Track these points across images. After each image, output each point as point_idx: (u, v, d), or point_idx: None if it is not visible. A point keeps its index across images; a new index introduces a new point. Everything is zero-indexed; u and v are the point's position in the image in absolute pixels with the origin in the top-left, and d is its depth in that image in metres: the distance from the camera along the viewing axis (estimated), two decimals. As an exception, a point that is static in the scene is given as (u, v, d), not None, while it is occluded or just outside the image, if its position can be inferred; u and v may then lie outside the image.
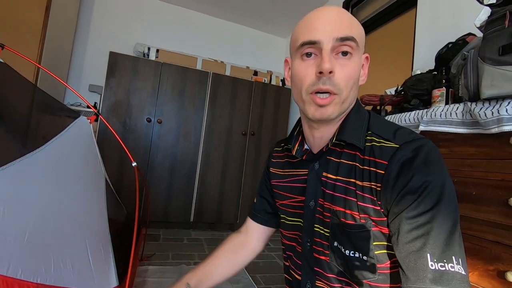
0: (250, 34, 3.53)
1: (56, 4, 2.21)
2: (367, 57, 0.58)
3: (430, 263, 0.42)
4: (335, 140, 0.56)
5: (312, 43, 0.51)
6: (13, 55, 1.24)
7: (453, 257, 0.42)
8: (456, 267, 0.41)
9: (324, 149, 0.58)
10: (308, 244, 0.60)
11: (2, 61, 1.13)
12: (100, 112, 2.44)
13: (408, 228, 0.44)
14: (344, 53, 0.51)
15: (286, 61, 0.62)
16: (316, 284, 0.58)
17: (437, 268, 0.41)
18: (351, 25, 0.52)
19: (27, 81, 1.17)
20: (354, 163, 0.53)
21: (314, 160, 0.60)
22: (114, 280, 0.91)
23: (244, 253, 0.76)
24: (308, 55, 0.53)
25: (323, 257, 0.57)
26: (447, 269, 0.41)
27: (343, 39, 0.50)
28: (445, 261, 0.41)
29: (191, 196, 2.67)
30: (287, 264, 0.68)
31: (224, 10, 3.19)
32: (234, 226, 2.84)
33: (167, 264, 1.82)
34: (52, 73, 1.28)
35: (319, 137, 0.59)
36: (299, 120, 0.66)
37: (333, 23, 0.51)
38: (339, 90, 0.51)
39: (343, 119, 0.57)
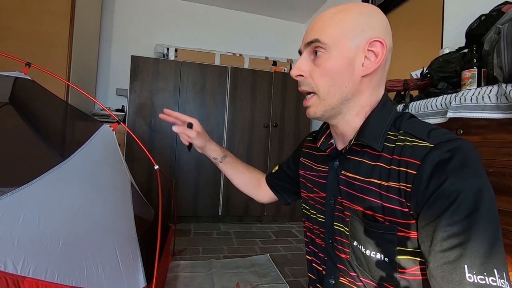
0: (267, 23, 3.45)
1: (79, 16, 2.32)
2: (374, 42, 0.51)
3: (468, 275, 0.38)
4: (354, 141, 0.54)
5: (299, 52, 0.59)
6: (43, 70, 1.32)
7: (495, 270, 0.38)
8: (498, 281, 0.38)
9: (343, 151, 0.58)
10: (330, 241, 0.60)
11: (30, 78, 1.21)
12: (127, 114, 2.56)
13: (443, 236, 0.41)
14: (316, 53, 0.54)
15: None
16: (340, 280, 0.58)
17: (475, 281, 0.38)
18: (322, 27, 0.53)
19: (52, 94, 1.25)
20: (378, 163, 0.51)
21: (335, 157, 0.60)
22: (142, 281, 0.96)
23: (256, 190, 0.89)
24: None
25: (343, 255, 0.57)
26: (488, 282, 0.38)
27: (309, 43, 0.54)
28: (485, 274, 0.38)
29: (218, 191, 2.73)
30: (310, 258, 0.69)
31: (238, 1, 3.14)
32: (262, 218, 2.87)
33: (198, 259, 1.89)
34: (79, 88, 1.35)
35: (341, 133, 0.59)
36: None
37: (308, 30, 0.56)
38: (312, 88, 0.55)
39: (365, 116, 0.55)
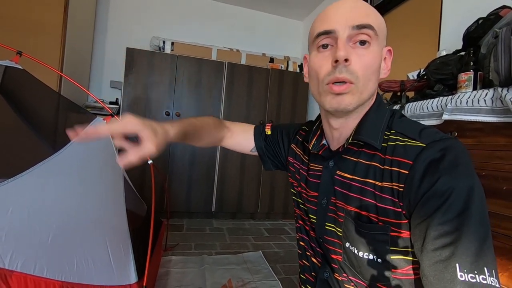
0: (265, 19, 3.42)
1: (74, 4, 2.26)
2: (389, 50, 0.55)
3: (459, 273, 0.39)
4: (351, 140, 0.54)
5: (327, 32, 0.50)
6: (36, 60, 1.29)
7: (485, 268, 0.39)
8: (488, 279, 0.38)
9: (340, 149, 0.56)
10: (320, 240, 0.60)
11: (21, 67, 1.17)
12: (121, 107, 2.52)
13: (435, 234, 0.41)
14: (362, 43, 0.49)
15: (304, 57, 0.61)
16: (335, 276, 0.58)
17: (467, 279, 0.38)
18: (368, 14, 0.50)
19: (44, 85, 1.22)
20: (372, 163, 0.51)
21: (330, 157, 0.59)
22: (133, 276, 0.95)
23: (218, 142, 0.79)
24: (324, 46, 0.52)
25: (334, 256, 0.57)
26: (478, 281, 0.38)
27: (360, 27, 0.48)
28: (476, 272, 0.38)
29: (212, 187, 2.72)
30: (302, 244, 0.68)
31: (238, -4, 3.11)
32: (255, 215, 2.87)
33: (190, 254, 1.88)
34: (72, 79, 1.32)
35: (338, 135, 0.58)
36: (319, 115, 0.64)
37: (349, 11, 0.50)
38: (356, 78, 0.49)
39: (362, 116, 0.55)
